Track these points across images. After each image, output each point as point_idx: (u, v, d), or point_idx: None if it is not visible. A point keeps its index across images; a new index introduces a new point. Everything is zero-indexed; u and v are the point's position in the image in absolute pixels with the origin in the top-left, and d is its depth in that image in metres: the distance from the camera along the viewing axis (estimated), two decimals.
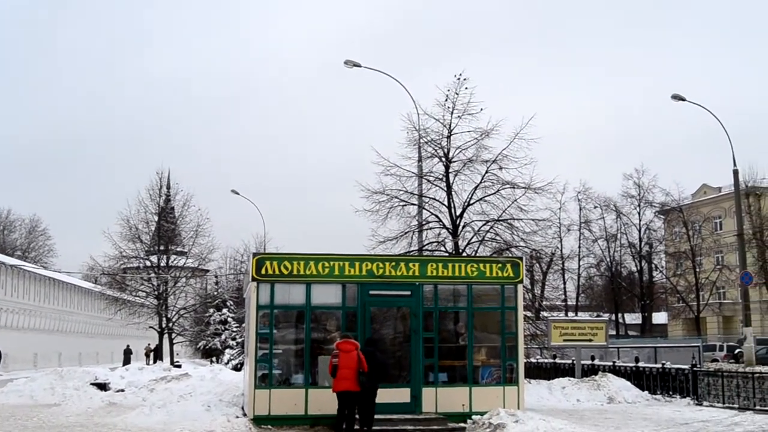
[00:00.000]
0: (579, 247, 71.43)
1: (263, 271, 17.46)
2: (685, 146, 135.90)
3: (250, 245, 60.36)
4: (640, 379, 25.73)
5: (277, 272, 17.49)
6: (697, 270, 66.79)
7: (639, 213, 70.60)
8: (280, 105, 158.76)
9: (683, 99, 38.11)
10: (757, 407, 20.53)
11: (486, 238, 28.16)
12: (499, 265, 18.79)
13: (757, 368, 29.62)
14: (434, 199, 28.43)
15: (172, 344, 50.24)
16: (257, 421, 16.86)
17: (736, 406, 21.25)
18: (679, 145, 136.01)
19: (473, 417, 17.07)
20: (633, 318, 77.65)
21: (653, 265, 73.59)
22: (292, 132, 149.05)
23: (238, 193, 52.34)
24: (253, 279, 17.52)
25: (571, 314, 63.98)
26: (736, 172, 39.36)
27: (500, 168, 27.68)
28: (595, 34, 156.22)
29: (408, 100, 29.13)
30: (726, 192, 70.11)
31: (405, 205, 28.00)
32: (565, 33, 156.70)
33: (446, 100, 27.88)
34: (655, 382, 25.28)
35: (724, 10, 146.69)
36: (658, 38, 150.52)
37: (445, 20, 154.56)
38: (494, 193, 27.95)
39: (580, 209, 70.90)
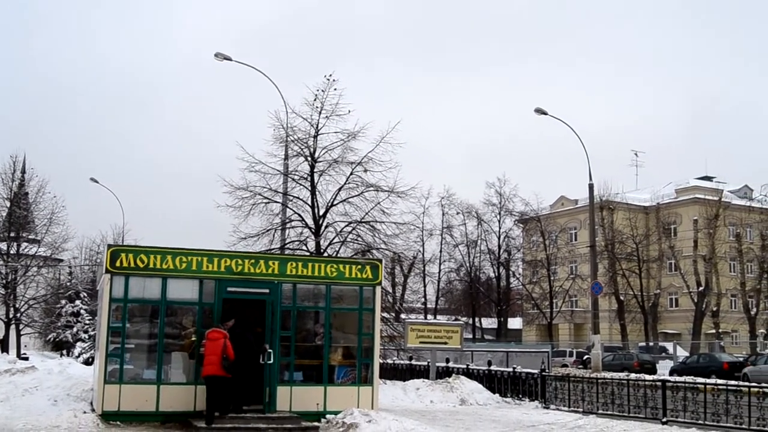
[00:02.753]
0: (440, 251, 72.79)
1: (118, 264, 16.97)
2: (547, 159, 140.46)
3: (107, 236, 58.65)
4: (492, 382, 26.32)
5: (132, 265, 17.03)
6: (552, 278, 69.19)
7: (499, 221, 72.38)
8: (156, 100, 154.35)
9: (545, 113, 39.34)
10: (600, 411, 21.34)
11: (348, 239, 28.33)
12: (359, 266, 18.92)
13: (603, 374, 30.86)
14: (298, 198, 28.42)
15: (19, 336, 48.24)
16: (106, 416, 16.37)
17: (580, 409, 22.00)
18: (542, 158, 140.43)
19: (327, 416, 17.11)
20: (489, 322, 79.53)
21: (510, 272, 75.57)
22: (162, 125, 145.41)
23: (97, 182, 50.90)
24: (107, 271, 17.01)
25: (430, 317, 64.93)
26: (591, 186, 40.92)
27: (365, 170, 27.94)
28: (473, 44, 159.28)
29: (278, 98, 28.97)
30: (582, 205, 72.82)
31: (268, 203, 27.85)
32: (445, 42, 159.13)
33: (315, 99, 27.94)
34: (506, 385, 25.92)
35: (601, 32, 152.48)
36: (533, 51, 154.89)
37: (328, 25, 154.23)
38: (358, 195, 28.19)
39: (443, 215, 72.21)
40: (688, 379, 30.92)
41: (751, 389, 19.07)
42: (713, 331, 62.68)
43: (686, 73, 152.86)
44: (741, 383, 25.19)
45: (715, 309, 63.43)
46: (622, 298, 63.49)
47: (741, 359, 45.41)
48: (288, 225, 28.29)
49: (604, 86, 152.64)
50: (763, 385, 21.61)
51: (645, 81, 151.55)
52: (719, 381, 26.19)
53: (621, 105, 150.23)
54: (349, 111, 27.86)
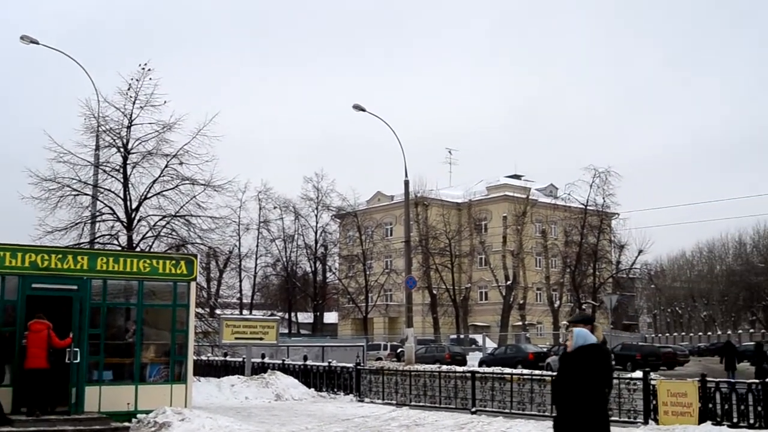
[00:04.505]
0: (257, 246, 72.20)
1: None
2: (365, 155, 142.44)
3: None
4: (308, 376, 26.37)
5: None
6: (368, 273, 70.18)
7: (316, 216, 72.62)
8: None
9: (363, 109, 39.77)
10: (413, 403, 21.80)
11: (162, 234, 27.63)
12: (173, 261, 18.42)
13: (416, 366, 31.56)
14: (109, 190, 27.40)
15: None
16: None
17: (394, 402, 22.40)
18: (360, 154, 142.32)
19: (138, 416, 16.59)
20: (306, 317, 79.76)
21: (327, 267, 76.08)
22: None
23: None
24: None
25: (245, 312, 64.34)
26: (407, 183, 41.76)
27: (181, 163, 27.37)
28: (299, 41, 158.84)
29: (91, 87, 27.77)
30: (398, 200, 74.11)
31: (78, 195, 26.66)
32: (272, 37, 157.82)
33: (129, 89, 27.08)
34: (322, 379, 26.02)
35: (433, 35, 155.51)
36: (357, 49, 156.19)
37: (149, 17, 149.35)
38: (173, 188, 27.56)
39: (260, 209, 71.70)
40: (496, 369, 32.08)
41: (553, 378, 20.02)
42: (520, 323, 65.55)
43: (503, 78, 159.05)
44: (544, 372, 26.37)
45: (521, 302, 66.37)
46: (435, 292, 65.26)
47: (545, 349, 47.60)
48: (98, 218, 27.21)
49: (424, 86, 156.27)
50: None
51: (464, 83, 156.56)
52: (524, 371, 27.34)
53: (439, 104, 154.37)
54: (165, 102, 27.21)
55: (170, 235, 27.78)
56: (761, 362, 34.52)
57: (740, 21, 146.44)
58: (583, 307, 62.52)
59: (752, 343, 65.70)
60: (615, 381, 18.79)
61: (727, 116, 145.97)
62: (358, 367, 25.29)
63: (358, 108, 39.68)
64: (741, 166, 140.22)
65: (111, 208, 27.42)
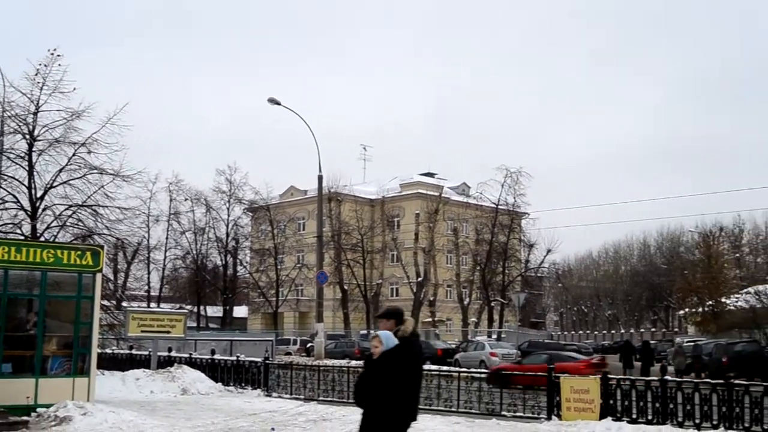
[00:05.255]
0: (167, 238, 70.88)
1: None
2: (280, 149, 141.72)
3: None
4: (216, 371, 26.11)
5: None
6: (279, 267, 69.76)
7: (228, 208, 71.54)
8: None
9: (278, 103, 39.46)
10: (321, 398, 21.81)
11: (68, 224, 26.98)
12: (78, 252, 18.00)
13: (325, 362, 31.55)
14: (13, 178, 26.61)
15: None
16: None
17: (302, 396, 22.37)
18: (275, 148, 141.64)
19: (38, 410, 16.16)
20: (215, 311, 78.76)
21: (238, 260, 75.22)
22: None
23: None
24: None
25: (153, 305, 63.24)
26: (320, 178, 41.68)
27: (89, 152, 26.75)
28: (228, 30, 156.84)
29: None
30: (311, 195, 73.92)
31: None
32: (192, 30, 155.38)
33: (36, 74, 26.31)
34: (230, 374, 25.81)
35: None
36: (277, 44, 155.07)
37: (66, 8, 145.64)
38: (81, 177, 26.92)
39: (171, 200, 70.37)
40: None
41: (461, 374, 20.25)
42: (430, 319, 66.06)
43: (421, 77, 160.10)
44: (452, 369, 26.72)
45: (432, 298, 66.95)
46: (346, 287, 65.32)
47: (453, 346, 48.11)
48: (0, 207, 26.44)
49: (341, 84, 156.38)
50: (472, 370, 23.00)
51: (382, 82, 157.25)
52: (432, 367, 27.59)
53: (356, 102, 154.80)
54: (74, 89, 26.53)
55: (76, 226, 27.16)
56: (648, 360, 36.13)
57: (655, 37, 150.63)
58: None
59: (653, 341, 67.81)
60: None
61: (637, 124, 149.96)
62: (267, 361, 25.17)
63: (273, 101, 39.36)
64: (648, 171, 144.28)
65: (14, 196, 26.67)
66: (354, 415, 18.34)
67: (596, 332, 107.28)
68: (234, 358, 26.84)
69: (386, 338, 7.78)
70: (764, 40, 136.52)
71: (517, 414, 17.49)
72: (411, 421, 7.89)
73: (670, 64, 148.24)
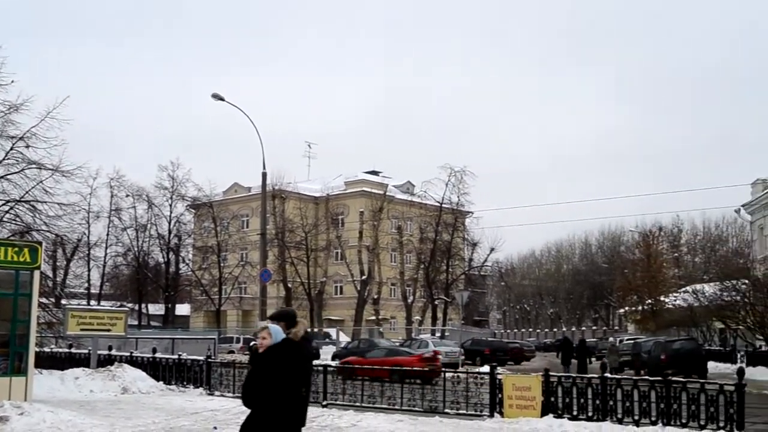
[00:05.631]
0: (107, 234, 69.81)
1: None
2: (224, 146, 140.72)
3: None
4: (157, 369, 25.76)
5: None
6: (222, 265, 69.17)
7: (171, 205, 70.63)
8: None
9: (222, 99, 39.04)
10: None
11: (5, 219, 26.41)
12: (16, 249, 17.62)
13: None
14: None
15: None
16: None
17: (238, 395, 22.17)
18: (219, 144, 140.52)
19: None
20: (157, 309, 77.80)
21: (180, 258, 74.41)
22: None
23: None
24: None
25: (93, 303, 62.21)
26: (264, 175, 41.28)
27: (27, 146, 26.22)
28: (172, 26, 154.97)
29: None
30: (255, 192, 73.37)
31: None
32: (135, 24, 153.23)
33: None
34: (171, 372, 25.49)
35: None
36: (223, 39, 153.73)
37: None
38: (18, 171, 26.40)
39: (112, 196, 69.26)
40: None
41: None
42: (374, 317, 66.14)
43: (368, 76, 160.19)
44: (395, 367, 26.73)
45: (376, 297, 67.01)
46: (290, 285, 65.05)
47: (397, 344, 48.21)
48: None
49: (287, 82, 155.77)
50: (416, 368, 23.05)
51: (330, 80, 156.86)
52: (376, 366, 27.62)
53: (302, 100, 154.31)
54: (12, 81, 25.96)
55: (14, 221, 26.60)
56: (584, 357, 37.03)
57: (594, 40, 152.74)
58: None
59: (594, 339, 68.89)
60: (463, 375, 19.35)
61: (582, 125, 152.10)
62: (209, 360, 24.93)
63: (217, 97, 38.95)
64: (591, 172, 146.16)
65: None
66: None
67: (538, 330, 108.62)
68: (176, 356, 26.52)
69: (276, 332, 7.48)
70: (706, 42, 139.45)
71: (460, 411, 17.58)
72: (298, 427, 7.60)
73: (612, 66, 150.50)
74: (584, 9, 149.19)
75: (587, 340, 47.35)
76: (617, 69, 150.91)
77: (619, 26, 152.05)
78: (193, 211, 73.94)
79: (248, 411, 7.43)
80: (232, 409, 19.01)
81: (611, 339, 54.02)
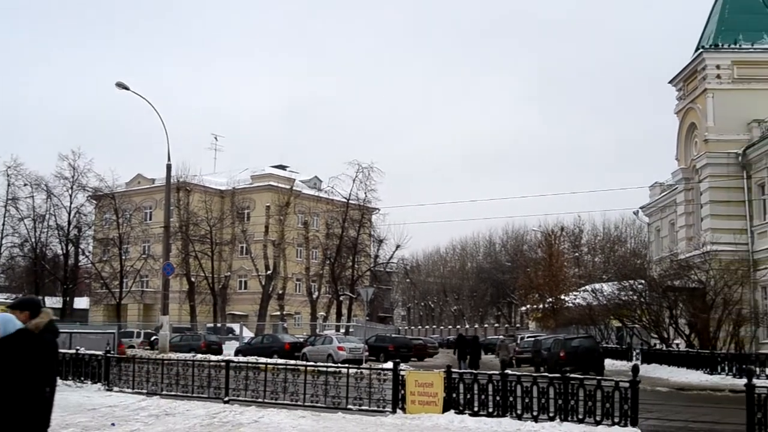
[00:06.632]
0: (3, 225, 67.60)
1: None
2: (128, 136, 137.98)
3: None
4: None
5: None
6: (124, 257, 67.64)
7: (71, 195, 68.64)
8: None
9: (127, 88, 38.40)
10: (164, 392, 21.29)
11: None
12: None
13: (170, 355, 30.90)
14: None
15: None
16: None
17: (144, 391, 21.76)
18: (123, 135, 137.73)
19: None
20: (54, 302, 75.63)
21: (80, 250, 72.52)
22: None
23: None
24: None
25: None
26: (169, 167, 40.75)
27: None
28: (77, 13, 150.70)
29: None
30: (159, 184, 72.25)
31: None
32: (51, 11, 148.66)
33: None
34: (68, 367, 24.78)
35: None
36: (126, 26, 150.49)
37: None
38: None
39: (9, 185, 67.00)
40: (251, 359, 32.07)
41: (308, 368, 20.22)
42: (278, 313, 65.79)
43: (280, 75, 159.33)
44: (299, 362, 26.68)
45: (281, 292, 66.66)
46: (193, 279, 64.11)
47: (301, 340, 48.14)
48: None
49: (198, 75, 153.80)
50: (319, 364, 23.00)
51: (241, 72, 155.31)
52: (279, 360, 27.50)
53: (211, 92, 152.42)
54: None
55: None
56: (476, 353, 38.26)
57: (505, 39, 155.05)
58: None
59: (496, 337, 70.04)
60: (367, 371, 19.38)
61: (491, 125, 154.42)
62: (108, 354, 24.39)
63: (122, 86, 38.24)
64: (498, 172, 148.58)
65: None
66: (198, 409, 18.08)
67: (442, 327, 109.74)
68: (73, 351, 25.85)
69: (5, 322, 6.68)
70: (620, 46, 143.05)
71: (363, 407, 17.59)
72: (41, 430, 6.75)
73: (521, 67, 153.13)
74: (500, 11, 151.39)
75: (490, 337, 48.26)
76: (532, 70, 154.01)
77: (536, 30, 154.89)
78: (94, 202, 72.13)
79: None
80: (131, 405, 18.66)
81: (501, 336, 55.14)
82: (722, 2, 42.77)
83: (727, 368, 29.72)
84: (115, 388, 22.76)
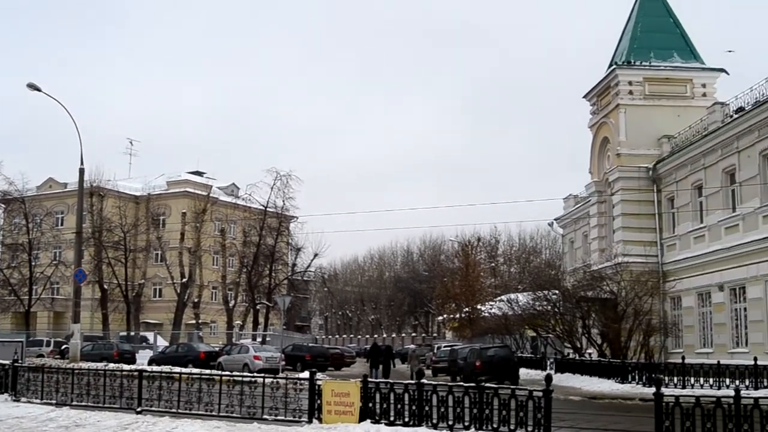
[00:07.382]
0: None
1: None
2: (39, 139, 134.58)
3: None
4: None
5: None
6: (33, 264, 65.81)
7: None
8: None
9: (39, 89, 37.51)
10: (74, 402, 20.78)
11: None
12: None
13: (81, 364, 30.18)
14: None
15: None
16: None
17: (54, 401, 21.21)
18: (34, 137, 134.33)
19: None
20: None
21: None
22: None
23: None
24: None
25: None
26: (81, 171, 39.90)
27: None
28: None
29: None
30: (71, 188, 70.63)
31: None
32: None
33: None
34: None
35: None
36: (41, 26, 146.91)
37: None
38: None
39: None
40: (165, 368, 31.55)
41: (223, 378, 19.96)
42: (194, 321, 64.96)
43: (203, 81, 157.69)
44: (214, 372, 26.32)
45: (196, 300, 65.85)
46: (106, 286, 62.84)
47: (217, 349, 47.59)
48: None
49: (114, 81, 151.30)
50: (235, 373, 22.75)
51: (159, 76, 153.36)
52: (194, 370, 27.13)
53: (130, 97, 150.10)
54: None
55: None
56: (388, 362, 38.77)
57: (431, 51, 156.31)
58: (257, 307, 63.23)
59: (411, 346, 70.44)
60: (283, 381, 19.25)
61: (409, 139, 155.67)
62: (15, 364, 23.69)
63: (33, 87, 37.32)
64: (419, 182, 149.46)
65: None
66: (110, 420, 17.70)
67: (359, 336, 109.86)
68: None
69: None
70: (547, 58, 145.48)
71: (279, 417, 17.45)
72: None
73: (443, 78, 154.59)
74: (436, 21, 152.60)
75: (407, 346, 48.47)
76: (455, 82, 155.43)
77: (458, 42, 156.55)
78: (2, 206, 70.10)
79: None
80: (40, 416, 18.19)
81: (413, 345, 55.42)
82: (635, 20, 43.84)
83: (637, 377, 30.32)
84: (23, 399, 22.12)
